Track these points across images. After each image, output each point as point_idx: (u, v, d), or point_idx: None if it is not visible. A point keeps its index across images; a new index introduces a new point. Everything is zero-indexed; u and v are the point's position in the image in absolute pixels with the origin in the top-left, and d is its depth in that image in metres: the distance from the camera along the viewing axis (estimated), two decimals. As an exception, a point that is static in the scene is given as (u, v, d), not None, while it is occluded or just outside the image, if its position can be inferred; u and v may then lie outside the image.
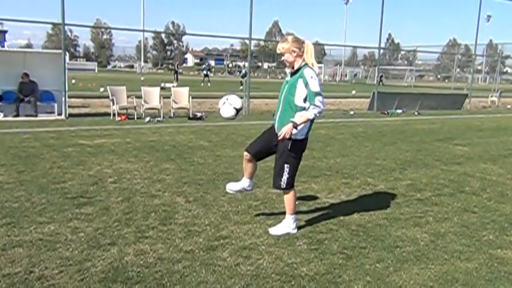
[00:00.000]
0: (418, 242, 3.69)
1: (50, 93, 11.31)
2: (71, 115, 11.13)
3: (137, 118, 11.18)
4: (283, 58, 3.61)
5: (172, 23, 78.62)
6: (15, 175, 5.26)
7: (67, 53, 12.25)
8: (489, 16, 55.56)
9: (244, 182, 3.98)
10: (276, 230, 3.73)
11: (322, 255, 3.35)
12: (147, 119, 10.94)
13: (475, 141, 9.53)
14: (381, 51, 33.31)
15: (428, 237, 3.81)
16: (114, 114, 11.06)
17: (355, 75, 64.45)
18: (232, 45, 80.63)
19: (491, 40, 49.07)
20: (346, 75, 63.75)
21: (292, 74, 3.61)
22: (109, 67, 77.49)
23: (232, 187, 4.05)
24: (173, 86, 17.97)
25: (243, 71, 30.67)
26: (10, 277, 2.82)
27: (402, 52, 79.36)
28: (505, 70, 68.01)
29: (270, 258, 3.26)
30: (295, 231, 3.76)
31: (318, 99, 3.42)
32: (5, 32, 40.03)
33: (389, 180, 5.78)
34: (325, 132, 9.98)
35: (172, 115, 12.03)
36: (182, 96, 12.41)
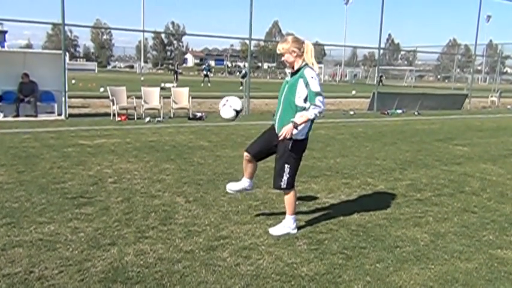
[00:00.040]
0: (418, 242, 3.69)
1: (50, 94, 11.32)
2: (71, 115, 11.14)
3: (137, 118, 11.18)
4: (283, 58, 3.62)
5: (172, 23, 78.77)
6: (15, 175, 5.26)
7: (67, 53, 12.25)
8: (489, 16, 55.67)
9: (244, 182, 3.98)
10: (276, 230, 3.73)
11: (322, 255, 3.35)
12: (147, 119, 10.95)
13: (475, 142, 9.53)
14: (381, 51, 33.33)
15: (428, 237, 3.81)
16: (114, 115, 11.06)
17: (355, 75, 64.48)
18: (232, 45, 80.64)
19: (491, 40, 49.10)
20: (346, 76, 63.78)
21: (293, 74, 3.61)
22: (109, 67, 77.50)
23: (232, 187, 4.05)
24: (173, 86, 17.98)
25: (243, 71, 30.69)
26: (10, 277, 2.82)
27: (402, 52, 79.51)
28: (505, 70, 68.06)
29: (270, 258, 3.26)
30: (295, 231, 3.76)
31: (318, 99, 3.42)
32: (5, 32, 40.03)
33: (389, 180, 5.78)
34: (325, 132, 9.98)
35: (172, 115, 12.03)
36: (182, 97, 12.41)
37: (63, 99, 10.91)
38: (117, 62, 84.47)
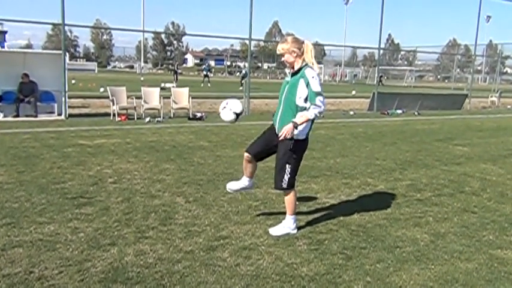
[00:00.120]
0: (418, 242, 3.69)
1: (50, 94, 11.32)
2: (70, 115, 11.14)
3: (137, 118, 11.18)
4: (283, 59, 3.62)
5: (172, 23, 78.74)
6: (15, 175, 5.26)
7: (67, 53, 12.26)
8: (489, 16, 55.71)
9: (244, 181, 3.98)
10: (276, 230, 3.73)
11: (322, 255, 3.35)
12: (147, 119, 10.95)
13: (475, 142, 9.53)
14: (381, 51, 33.34)
15: (428, 237, 3.81)
16: (114, 115, 11.06)
17: (355, 75, 64.48)
18: (232, 45, 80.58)
19: (491, 40, 49.16)
20: (346, 76, 63.79)
21: (293, 74, 3.61)
22: (109, 67, 77.48)
23: (232, 186, 4.05)
24: (173, 87, 17.98)
25: (243, 72, 30.71)
26: (10, 277, 2.82)
27: (402, 52, 79.51)
28: (504, 70, 68.06)
29: (270, 258, 3.26)
30: (295, 231, 3.75)
31: (318, 99, 3.42)
32: (5, 32, 40.08)
33: (389, 180, 5.78)
34: (325, 132, 9.98)
35: (172, 115, 12.03)
36: (182, 97, 12.41)
37: (63, 99, 10.91)
38: (117, 62, 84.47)
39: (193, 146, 7.64)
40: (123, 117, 10.96)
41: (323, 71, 54.11)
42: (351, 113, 15.30)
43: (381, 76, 42.11)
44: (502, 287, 2.99)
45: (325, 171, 6.11)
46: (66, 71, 11.01)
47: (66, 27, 11.77)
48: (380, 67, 36.46)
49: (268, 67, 72.83)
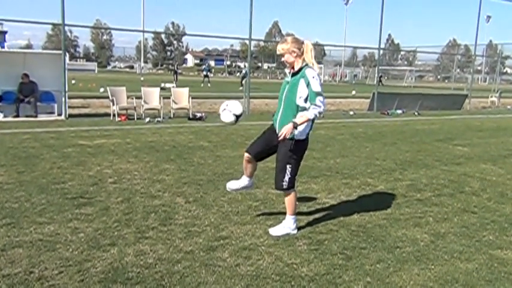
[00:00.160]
0: (418, 242, 3.69)
1: (50, 94, 11.32)
2: (70, 115, 11.13)
3: (137, 118, 11.18)
4: (283, 59, 3.62)
5: (172, 23, 78.72)
6: (15, 175, 5.26)
7: (67, 53, 12.26)
8: (489, 16, 55.76)
9: (244, 180, 3.99)
10: (276, 231, 3.73)
11: (322, 255, 3.35)
12: (147, 119, 10.95)
13: (475, 142, 9.53)
14: (381, 51, 33.33)
15: (428, 237, 3.81)
16: (114, 115, 11.06)
17: (355, 75, 64.49)
18: (232, 45, 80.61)
19: (491, 40, 49.22)
20: (346, 76, 63.80)
21: (293, 74, 3.61)
22: (109, 67, 77.48)
23: (232, 185, 4.05)
24: (173, 87, 17.98)
25: (243, 72, 30.70)
26: (10, 278, 2.82)
27: (402, 52, 79.54)
28: (504, 70, 68.10)
29: (270, 258, 3.26)
30: (295, 231, 3.75)
31: (318, 99, 3.42)
32: (5, 32, 40.09)
33: (389, 180, 5.78)
34: (325, 132, 9.98)
35: (172, 115, 12.03)
36: (182, 97, 12.41)
37: (63, 99, 10.91)
38: (117, 62, 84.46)
39: (193, 146, 7.64)
40: (123, 118, 10.96)
41: (323, 71, 54.09)
42: (351, 113, 15.30)
43: (381, 76, 42.13)
44: (502, 287, 2.99)
45: (325, 171, 6.11)
46: (66, 71, 11.01)
47: (66, 28, 11.78)
48: (380, 67, 36.49)
49: (268, 67, 72.84)
